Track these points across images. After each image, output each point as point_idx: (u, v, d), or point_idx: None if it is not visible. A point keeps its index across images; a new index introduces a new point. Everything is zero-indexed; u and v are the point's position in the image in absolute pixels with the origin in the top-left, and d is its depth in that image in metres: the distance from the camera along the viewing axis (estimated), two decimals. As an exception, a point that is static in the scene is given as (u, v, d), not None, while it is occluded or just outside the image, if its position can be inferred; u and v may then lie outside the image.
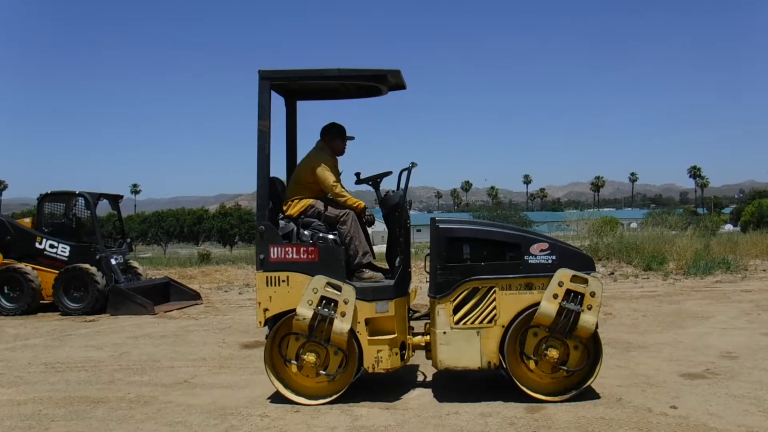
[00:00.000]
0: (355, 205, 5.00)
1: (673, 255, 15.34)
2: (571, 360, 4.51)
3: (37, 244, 11.10)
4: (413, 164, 4.97)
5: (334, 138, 5.22)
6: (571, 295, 4.45)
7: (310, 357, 4.60)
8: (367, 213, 5.06)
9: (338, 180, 5.03)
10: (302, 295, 4.55)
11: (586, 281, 4.48)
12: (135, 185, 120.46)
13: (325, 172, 4.96)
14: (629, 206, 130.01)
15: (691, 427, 3.92)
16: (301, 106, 5.64)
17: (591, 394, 4.62)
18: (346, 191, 5.05)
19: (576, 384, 4.57)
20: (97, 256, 10.94)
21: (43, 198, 11.65)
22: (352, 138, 5.28)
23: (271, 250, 4.70)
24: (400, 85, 5.15)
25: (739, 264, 14.38)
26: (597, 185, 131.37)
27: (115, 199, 12.39)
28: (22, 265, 10.86)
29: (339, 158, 5.25)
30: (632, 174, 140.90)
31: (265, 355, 4.74)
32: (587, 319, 4.42)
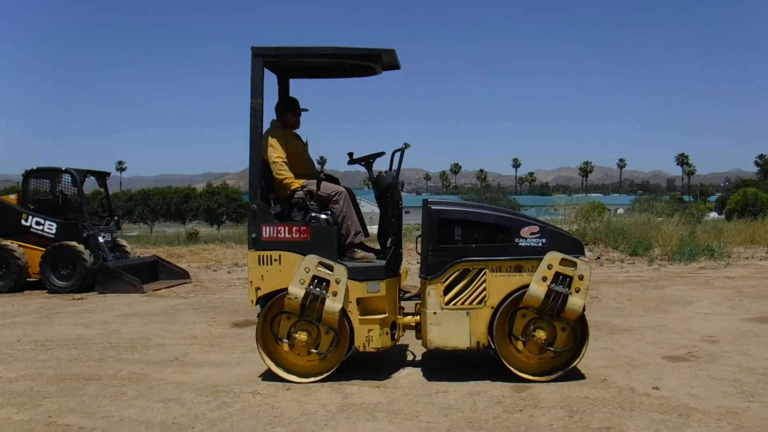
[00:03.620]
0: (289, 183, 4.86)
1: (659, 241, 15.56)
2: (558, 341, 4.60)
3: (23, 221, 10.99)
4: (406, 145, 4.98)
5: (283, 113, 5.22)
6: (560, 278, 4.52)
7: (302, 336, 4.64)
8: (296, 196, 4.83)
9: (278, 158, 4.87)
10: (294, 274, 4.58)
11: (574, 264, 4.55)
12: (120, 162, 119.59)
13: (268, 150, 4.89)
14: (617, 192, 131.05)
15: (672, 408, 4.02)
16: (295, 84, 5.61)
17: (577, 375, 4.71)
18: (283, 170, 4.87)
19: (562, 365, 4.65)
20: (85, 234, 10.86)
21: (29, 174, 11.51)
22: (305, 110, 5.28)
23: (263, 229, 4.71)
24: (394, 65, 5.13)
25: (722, 251, 14.60)
26: (585, 170, 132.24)
27: (102, 176, 12.29)
28: (8, 243, 10.77)
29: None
30: (620, 160, 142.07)
31: (256, 333, 4.78)
32: (575, 301, 4.49)
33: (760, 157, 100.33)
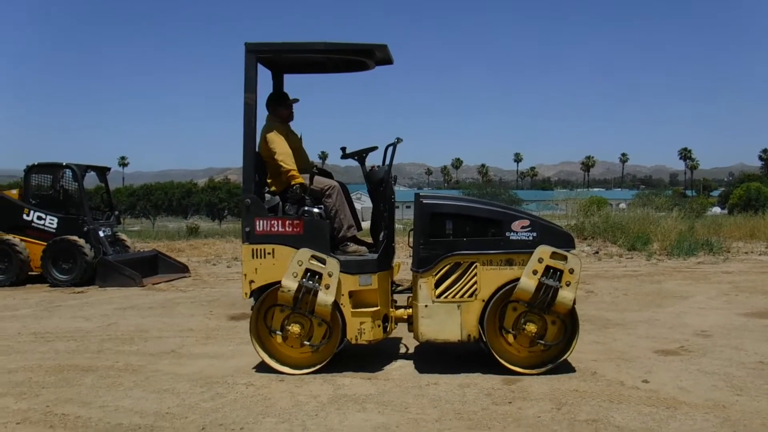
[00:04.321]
0: (293, 175, 4.88)
1: (658, 236, 15.56)
2: (548, 334, 4.64)
3: (24, 216, 11.10)
4: (398, 140, 5.02)
5: (276, 107, 5.24)
6: (551, 272, 4.55)
7: (295, 328, 4.70)
8: (294, 188, 4.86)
9: (283, 151, 4.92)
10: (287, 267, 4.63)
11: (565, 258, 4.58)
12: (123, 158, 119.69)
13: (269, 146, 4.94)
14: (619, 187, 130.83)
15: (661, 401, 4.05)
16: (288, 79, 5.65)
17: (567, 368, 4.75)
18: (290, 162, 4.91)
19: (552, 358, 4.69)
20: (85, 228, 10.96)
21: (30, 170, 11.59)
22: (296, 100, 5.30)
23: (257, 223, 4.76)
24: (387, 60, 5.18)
25: (721, 246, 14.59)
26: (587, 165, 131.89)
27: (102, 171, 12.36)
28: (10, 237, 10.88)
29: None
30: (623, 155, 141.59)
31: (250, 326, 4.84)
32: (565, 295, 4.53)
33: (764, 151, 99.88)
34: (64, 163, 11.52)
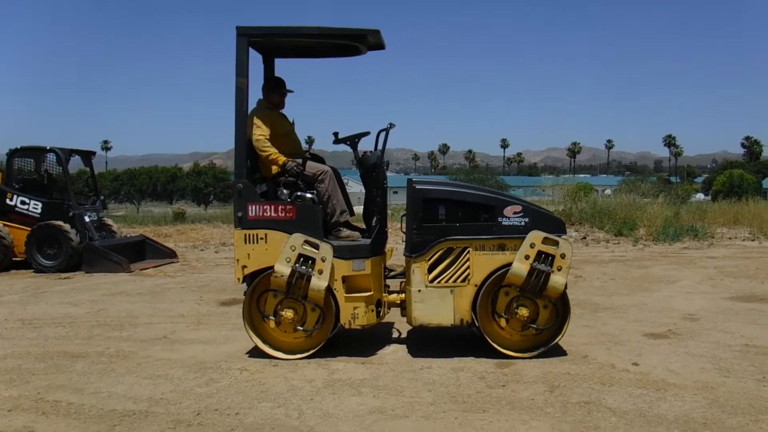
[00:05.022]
0: (275, 158, 4.89)
1: (644, 221, 15.73)
2: (540, 318, 4.68)
3: (7, 201, 10.91)
4: (391, 125, 5.00)
5: (268, 92, 5.23)
6: (542, 257, 4.59)
7: (288, 313, 4.69)
8: (288, 167, 4.87)
9: (261, 136, 4.89)
10: (280, 252, 4.62)
11: (556, 243, 4.61)
12: (106, 142, 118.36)
13: (252, 129, 4.91)
14: (605, 173, 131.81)
15: (650, 383, 4.12)
16: (279, 63, 5.60)
17: (558, 351, 4.81)
18: (267, 147, 4.89)
19: (544, 341, 4.74)
20: (71, 213, 10.81)
21: (13, 153, 11.40)
22: (290, 91, 5.29)
23: (249, 208, 4.73)
24: (379, 45, 5.13)
25: (706, 231, 14.81)
26: (573, 151, 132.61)
27: (87, 156, 12.17)
28: (-7, 222, 10.71)
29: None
30: (608, 141, 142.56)
31: (243, 311, 4.82)
32: (557, 279, 4.57)
33: (747, 138, 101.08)
34: (47, 147, 11.33)
